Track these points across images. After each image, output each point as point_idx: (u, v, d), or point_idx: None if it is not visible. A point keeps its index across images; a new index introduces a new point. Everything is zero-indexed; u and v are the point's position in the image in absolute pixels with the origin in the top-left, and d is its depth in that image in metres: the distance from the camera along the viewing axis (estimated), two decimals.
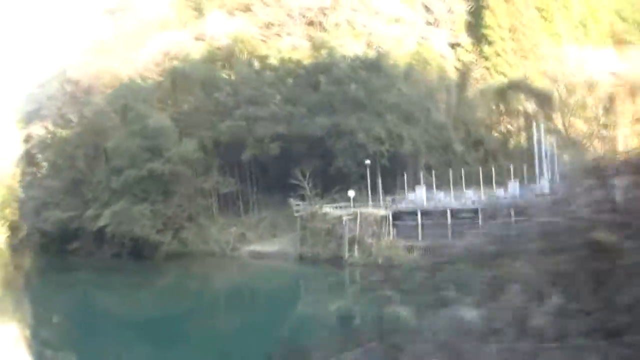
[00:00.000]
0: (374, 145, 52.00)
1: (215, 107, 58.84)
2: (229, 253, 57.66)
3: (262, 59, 62.32)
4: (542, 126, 51.55)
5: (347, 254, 47.81)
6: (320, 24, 67.72)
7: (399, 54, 64.75)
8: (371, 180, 52.39)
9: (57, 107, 72.20)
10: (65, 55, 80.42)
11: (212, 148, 59.01)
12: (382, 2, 67.81)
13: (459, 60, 72.41)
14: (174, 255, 57.58)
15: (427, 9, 72.46)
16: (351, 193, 50.64)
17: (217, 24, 65.96)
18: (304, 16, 67.46)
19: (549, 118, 66.36)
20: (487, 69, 71.42)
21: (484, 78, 70.10)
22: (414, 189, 50.79)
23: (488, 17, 72.15)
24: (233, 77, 61.13)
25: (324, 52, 60.81)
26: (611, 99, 70.65)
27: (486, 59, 71.33)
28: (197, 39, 66.58)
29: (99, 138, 62.42)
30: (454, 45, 73.79)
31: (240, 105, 57.25)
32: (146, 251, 57.75)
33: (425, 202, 48.89)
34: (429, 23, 73.22)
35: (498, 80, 70.08)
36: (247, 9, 68.30)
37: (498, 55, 72.11)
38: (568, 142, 68.17)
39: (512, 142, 69.07)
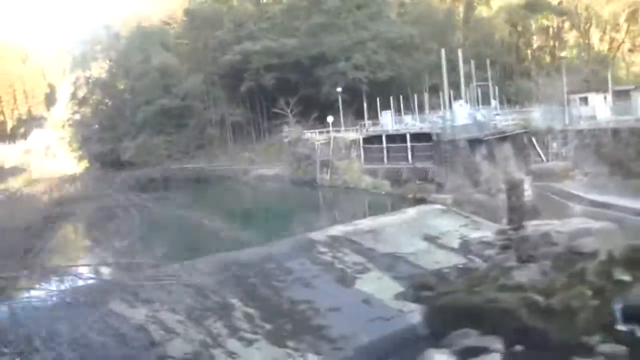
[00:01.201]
0: (353, 73, 55.98)
1: (219, 44, 64.86)
2: (241, 177, 64.66)
3: None
4: None
5: (318, 176, 53.29)
6: None
7: None
8: (357, 106, 56.80)
9: (96, 51, 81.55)
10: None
11: (218, 82, 65.40)
12: None
13: None
14: (195, 179, 65.32)
15: None
16: (329, 119, 55.35)
17: None
18: None
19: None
20: None
21: None
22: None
23: None
24: (236, 15, 66.55)
25: None
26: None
27: None
28: None
29: (128, 79, 70.94)
30: None
31: (241, 40, 62.88)
32: (171, 177, 66.13)
33: (391, 127, 52.53)
34: None
35: None
36: None
37: None
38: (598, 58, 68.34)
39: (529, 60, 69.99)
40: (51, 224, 18.84)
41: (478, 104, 45.64)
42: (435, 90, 55.45)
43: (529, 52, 70.55)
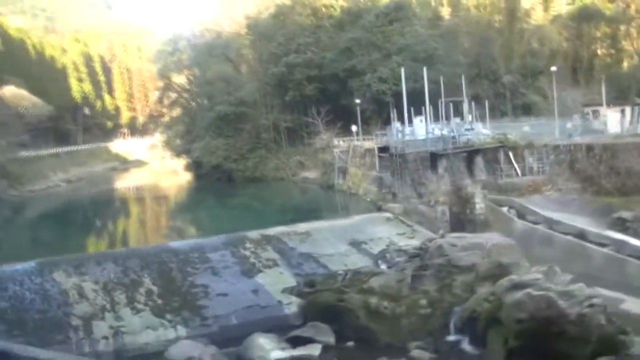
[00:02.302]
0: (377, 85, 62.54)
1: (271, 56, 73.63)
2: (291, 178, 72.98)
3: (315, 10, 75.15)
4: None
5: (336, 182, 60.52)
6: None
7: None
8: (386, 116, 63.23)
9: (178, 61, 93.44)
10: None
11: (270, 90, 74.24)
12: None
13: None
14: (252, 179, 74.63)
15: None
16: (354, 128, 62.21)
17: None
18: None
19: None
20: None
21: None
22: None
23: None
24: (288, 29, 74.99)
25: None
26: None
27: None
28: None
29: (199, 87, 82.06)
30: None
31: (289, 53, 71.27)
32: (233, 176, 76.12)
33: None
34: None
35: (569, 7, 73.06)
36: None
37: None
38: None
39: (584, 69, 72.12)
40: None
41: (447, 119, 50.14)
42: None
43: (583, 60, 72.50)
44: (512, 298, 19.91)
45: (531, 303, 18.85)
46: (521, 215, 38.12)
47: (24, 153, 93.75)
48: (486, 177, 46.76)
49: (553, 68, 49.70)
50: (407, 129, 46.63)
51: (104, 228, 58.45)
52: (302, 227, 36.71)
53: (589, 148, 43.09)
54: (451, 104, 52.25)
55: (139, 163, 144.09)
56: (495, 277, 22.84)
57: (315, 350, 21.89)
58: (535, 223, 36.06)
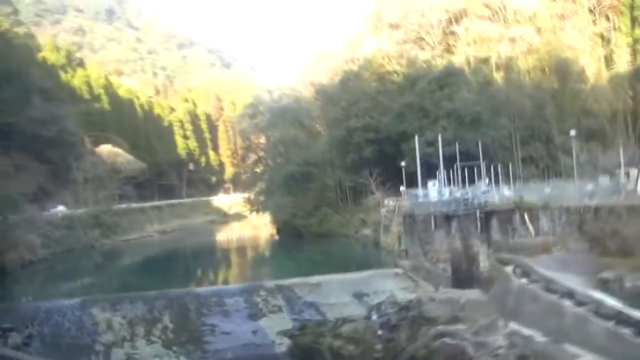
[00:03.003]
0: (423, 148, 68.18)
1: (334, 120, 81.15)
2: (354, 235, 79.30)
3: (380, 76, 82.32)
4: None
5: (381, 239, 66.38)
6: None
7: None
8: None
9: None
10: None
11: (333, 152, 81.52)
12: None
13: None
14: (319, 235, 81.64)
15: None
16: (402, 189, 67.94)
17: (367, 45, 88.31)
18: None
19: None
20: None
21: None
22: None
23: None
24: (352, 95, 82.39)
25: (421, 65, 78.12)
26: None
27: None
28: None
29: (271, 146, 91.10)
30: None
31: (350, 117, 78.52)
32: (301, 231, 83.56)
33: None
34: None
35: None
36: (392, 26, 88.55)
37: None
38: None
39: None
40: None
41: (464, 183, 55.05)
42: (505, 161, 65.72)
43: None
44: (434, 345, 25.48)
45: (447, 349, 24.37)
46: (526, 274, 42.03)
47: (123, 205, 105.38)
48: (500, 237, 51.15)
49: (572, 132, 53.52)
50: (421, 192, 51.93)
51: (182, 272, 67.66)
52: (315, 279, 43.09)
53: (597, 209, 46.60)
54: (475, 168, 57.10)
55: (238, 216, 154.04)
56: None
57: None
58: (535, 281, 40.08)
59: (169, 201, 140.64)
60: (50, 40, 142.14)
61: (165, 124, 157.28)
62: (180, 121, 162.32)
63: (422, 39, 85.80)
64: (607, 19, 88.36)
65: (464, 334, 26.88)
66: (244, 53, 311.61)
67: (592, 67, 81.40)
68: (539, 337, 25.38)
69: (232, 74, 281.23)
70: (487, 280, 42.05)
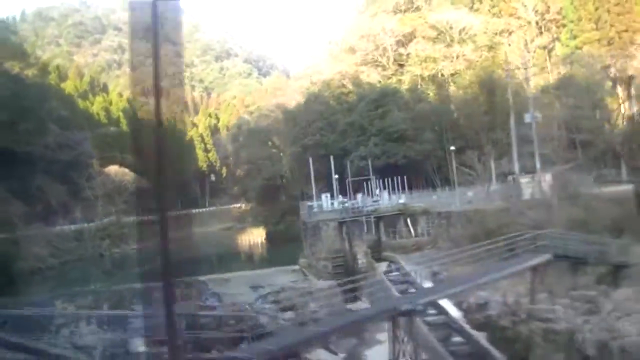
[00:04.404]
0: (357, 162, 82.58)
1: (293, 138, 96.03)
2: None
3: (336, 97, 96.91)
4: None
5: None
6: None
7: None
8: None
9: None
10: None
11: (296, 167, 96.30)
12: None
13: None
14: (287, 240, 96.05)
15: None
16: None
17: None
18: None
19: None
20: None
21: None
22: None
23: None
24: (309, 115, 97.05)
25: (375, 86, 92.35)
26: None
27: None
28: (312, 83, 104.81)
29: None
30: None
31: (307, 135, 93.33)
32: (275, 238, 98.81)
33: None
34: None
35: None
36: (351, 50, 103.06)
37: None
38: None
39: None
40: None
41: (358, 193, 69.14)
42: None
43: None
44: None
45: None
46: (397, 268, 55.29)
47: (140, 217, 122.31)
48: (386, 238, 65.39)
49: (452, 148, 67.04)
50: (315, 203, 66.49)
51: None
52: (228, 275, 58.86)
53: (458, 214, 60.35)
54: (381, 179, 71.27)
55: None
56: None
57: None
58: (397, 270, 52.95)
59: (190, 210, 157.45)
60: (74, 69, 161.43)
61: (187, 138, 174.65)
62: (201, 135, 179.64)
63: (376, 60, 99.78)
64: (549, 31, 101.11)
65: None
66: (280, 61, 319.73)
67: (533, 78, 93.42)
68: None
69: (269, 83, 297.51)
70: (365, 272, 56.34)
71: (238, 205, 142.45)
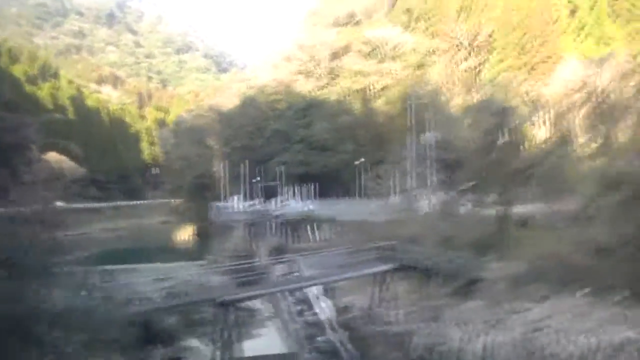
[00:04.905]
0: (279, 168, 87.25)
1: (225, 141, 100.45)
2: None
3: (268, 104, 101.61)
4: None
5: None
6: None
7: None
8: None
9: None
10: None
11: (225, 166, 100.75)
12: None
13: None
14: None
15: None
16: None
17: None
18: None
19: None
20: None
21: None
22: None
23: None
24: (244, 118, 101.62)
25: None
26: None
27: None
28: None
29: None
30: None
31: (237, 138, 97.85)
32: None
33: None
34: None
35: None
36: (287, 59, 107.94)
37: None
38: None
39: None
40: None
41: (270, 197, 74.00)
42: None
43: None
44: None
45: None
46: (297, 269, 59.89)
47: (78, 205, 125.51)
48: (291, 240, 70.18)
49: (356, 162, 72.14)
50: (227, 204, 71.12)
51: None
52: (137, 266, 62.53)
53: (356, 223, 65.37)
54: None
55: None
56: None
57: None
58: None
59: (131, 202, 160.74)
60: (26, 53, 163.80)
61: (133, 131, 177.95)
62: (147, 129, 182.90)
63: (311, 71, 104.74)
64: (479, 54, 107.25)
65: None
66: (240, 59, 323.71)
67: (458, 99, 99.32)
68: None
69: (227, 79, 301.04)
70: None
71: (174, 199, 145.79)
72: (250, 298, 35.16)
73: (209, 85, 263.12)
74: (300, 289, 37.27)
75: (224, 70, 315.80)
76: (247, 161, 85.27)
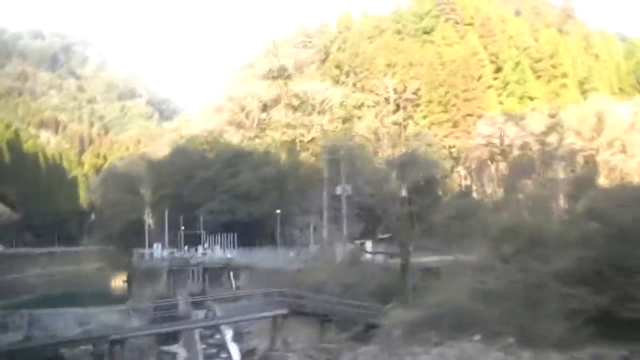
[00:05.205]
0: (204, 216, 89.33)
1: (153, 188, 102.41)
2: None
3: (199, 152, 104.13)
4: None
5: None
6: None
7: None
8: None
9: None
10: None
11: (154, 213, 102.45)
12: None
13: None
14: None
15: None
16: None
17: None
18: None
19: None
20: None
21: None
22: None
23: None
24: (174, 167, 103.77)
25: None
26: None
27: None
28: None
29: None
30: None
31: (165, 185, 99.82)
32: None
33: None
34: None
35: None
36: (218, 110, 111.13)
37: None
38: None
39: None
40: None
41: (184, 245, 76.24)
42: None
43: None
44: None
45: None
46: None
47: (11, 250, 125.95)
48: (210, 288, 72.19)
49: (277, 211, 74.88)
50: (147, 252, 73.05)
51: None
52: (61, 310, 63.75)
53: (271, 271, 67.76)
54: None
55: None
56: None
57: None
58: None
59: (67, 248, 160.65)
60: None
61: (70, 177, 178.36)
62: (86, 175, 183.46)
63: (241, 122, 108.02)
64: (405, 109, 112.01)
65: None
66: (184, 106, 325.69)
67: (385, 152, 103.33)
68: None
69: (171, 127, 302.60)
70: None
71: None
72: (140, 335, 37.42)
73: (152, 132, 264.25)
74: (190, 329, 39.59)
75: (168, 118, 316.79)
76: (169, 209, 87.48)
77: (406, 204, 71.97)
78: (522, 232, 41.62)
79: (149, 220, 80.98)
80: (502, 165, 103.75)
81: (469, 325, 38.88)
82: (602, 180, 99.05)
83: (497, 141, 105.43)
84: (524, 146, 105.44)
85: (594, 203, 52.32)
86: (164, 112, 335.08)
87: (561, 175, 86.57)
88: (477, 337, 39.00)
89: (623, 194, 55.88)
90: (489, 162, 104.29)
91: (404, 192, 77.87)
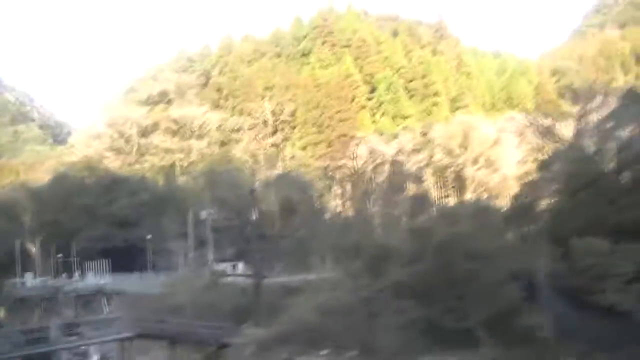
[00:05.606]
0: (82, 243, 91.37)
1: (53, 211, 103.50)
2: None
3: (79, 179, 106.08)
4: None
5: None
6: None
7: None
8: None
9: None
10: None
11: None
12: None
13: None
14: None
15: None
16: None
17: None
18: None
19: None
20: None
21: None
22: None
23: None
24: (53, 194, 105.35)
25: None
26: None
27: None
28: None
29: None
30: None
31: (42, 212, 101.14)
32: None
33: None
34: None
35: None
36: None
37: None
38: None
39: None
40: None
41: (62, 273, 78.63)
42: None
43: None
44: None
45: None
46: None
47: None
48: (82, 314, 74.59)
49: (148, 237, 78.16)
50: (19, 280, 75.03)
51: None
52: None
53: (142, 296, 70.56)
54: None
55: None
56: None
57: None
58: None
59: None
60: None
61: None
62: None
63: (121, 148, 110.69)
64: (282, 131, 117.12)
65: None
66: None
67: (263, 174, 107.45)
68: None
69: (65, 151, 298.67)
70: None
71: None
72: None
73: (45, 156, 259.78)
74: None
75: (62, 142, 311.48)
76: (48, 236, 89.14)
77: (261, 226, 75.78)
78: (366, 249, 46.50)
79: (29, 247, 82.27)
80: (374, 184, 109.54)
81: (317, 340, 43.20)
82: (469, 195, 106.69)
83: (370, 160, 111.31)
84: (395, 163, 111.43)
85: (426, 221, 58.54)
86: (57, 137, 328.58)
87: (411, 192, 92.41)
88: (324, 352, 43.58)
89: (458, 210, 62.54)
90: (361, 181, 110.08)
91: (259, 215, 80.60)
